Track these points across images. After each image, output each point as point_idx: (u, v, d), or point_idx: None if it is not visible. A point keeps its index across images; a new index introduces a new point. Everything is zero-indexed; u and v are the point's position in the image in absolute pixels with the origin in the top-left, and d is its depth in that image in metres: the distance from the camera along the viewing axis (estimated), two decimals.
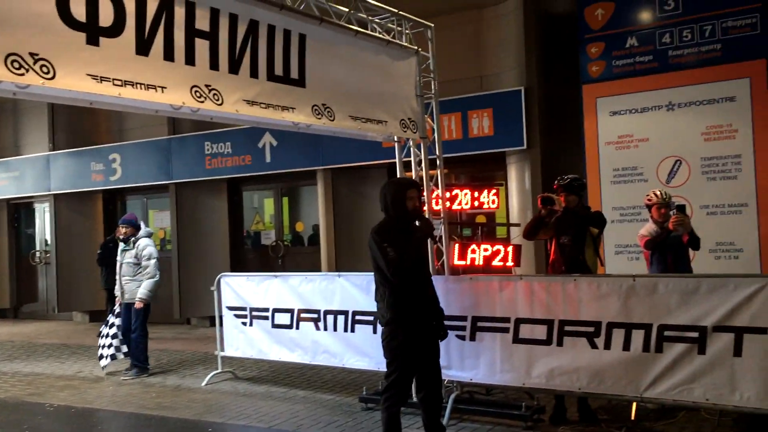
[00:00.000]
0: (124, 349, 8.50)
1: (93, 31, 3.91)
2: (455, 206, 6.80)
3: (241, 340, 7.80)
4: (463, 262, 6.61)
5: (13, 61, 3.52)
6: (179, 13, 4.40)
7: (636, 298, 5.29)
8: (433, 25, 6.77)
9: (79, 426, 6.67)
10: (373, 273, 4.99)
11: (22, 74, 3.56)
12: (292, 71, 5.27)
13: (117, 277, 8.58)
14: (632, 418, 5.74)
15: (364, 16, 6.07)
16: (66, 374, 8.77)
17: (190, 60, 4.49)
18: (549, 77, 9.65)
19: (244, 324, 7.74)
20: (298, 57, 5.31)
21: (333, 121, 5.60)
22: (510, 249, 6.66)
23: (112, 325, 8.55)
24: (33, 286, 15.07)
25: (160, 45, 4.29)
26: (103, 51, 3.95)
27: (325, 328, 7.03)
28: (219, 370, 8.02)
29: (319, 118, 5.48)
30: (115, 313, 8.63)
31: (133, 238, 8.54)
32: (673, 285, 5.18)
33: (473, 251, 6.61)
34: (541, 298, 5.72)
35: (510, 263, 6.67)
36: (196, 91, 4.51)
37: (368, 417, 6.28)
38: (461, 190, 6.82)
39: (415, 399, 5.48)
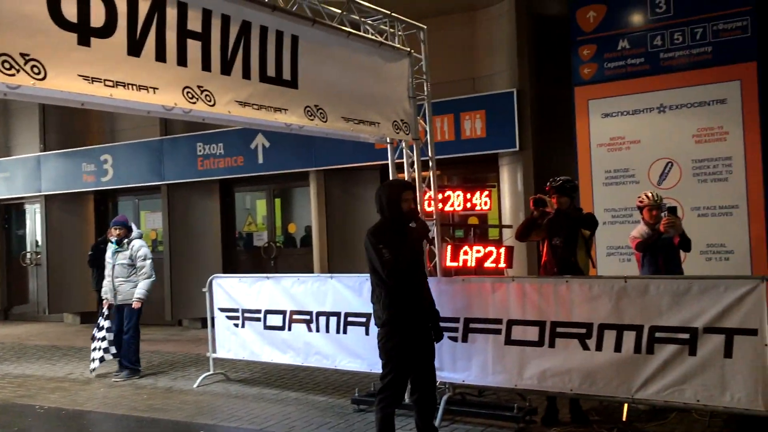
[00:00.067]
0: (113, 350, 8.46)
1: (84, 32, 3.89)
2: (447, 208, 6.81)
3: (233, 342, 7.78)
4: (455, 264, 6.62)
5: (3, 62, 3.50)
6: (171, 13, 4.39)
7: (627, 300, 5.31)
8: (425, 26, 6.78)
9: (70, 428, 6.63)
10: (364, 274, 5.00)
11: (13, 75, 3.54)
12: (285, 72, 5.27)
13: (108, 279, 8.53)
14: (624, 419, 5.76)
15: (357, 17, 6.07)
16: (57, 376, 8.73)
17: (182, 61, 4.48)
18: (541, 79, 9.68)
19: (236, 325, 7.72)
20: (290, 58, 5.31)
21: (325, 122, 5.59)
22: (502, 250, 6.67)
23: (102, 327, 8.51)
24: (24, 287, 14.98)
25: (152, 46, 4.28)
26: (94, 52, 3.94)
27: (317, 330, 7.02)
28: (211, 372, 8.00)
29: (312, 120, 5.48)
30: (104, 315, 8.58)
31: (126, 240, 8.51)
32: (665, 286, 5.20)
33: (465, 253, 6.62)
34: (533, 299, 5.74)
35: (502, 265, 6.68)
36: (188, 92, 4.50)
37: (360, 419, 6.27)
38: (453, 192, 6.83)
39: (408, 401, 5.48)
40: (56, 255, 13.73)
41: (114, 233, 8.53)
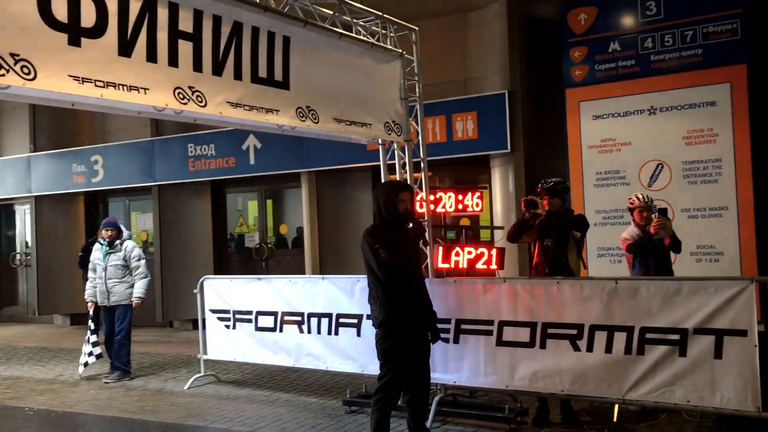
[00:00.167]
0: (97, 351, 8.40)
1: (75, 32, 3.88)
2: (439, 209, 6.82)
3: (224, 343, 7.76)
4: (447, 265, 6.63)
5: None
6: (162, 14, 4.37)
7: (618, 301, 5.33)
8: (417, 28, 6.79)
9: (60, 430, 6.60)
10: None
11: (2, 75, 3.52)
12: (276, 73, 5.26)
13: (99, 280, 8.46)
14: (614, 419, 5.78)
15: (349, 18, 6.07)
16: (46, 378, 8.68)
17: (173, 61, 4.46)
18: (533, 81, 9.70)
19: (228, 327, 7.70)
20: (282, 59, 5.30)
21: (317, 123, 5.59)
22: (494, 252, 6.69)
23: (94, 330, 8.48)
24: (13, 288, 14.89)
25: (143, 46, 4.26)
26: (85, 52, 3.92)
27: (309, 331, 7.01)
28: (202, 374, 7.97)
29: (303, 121, 5.47)
30: (92, 317, 8.54)
31: (118, 241, 8.48)
32: (655, 288, 5.22)
33: (457, 254, 6.63)
34: (524, 300, 5.75)
35: (494, 266, 6.70)
36: (179, 93, 4.48)
37: (352, 420, 6.27)
38: (445, 193, 6.84)
39: (399, 401, 5.47)
40: (46, 256, 13.66)
41: (105, 234, 8.48)
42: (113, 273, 8.39)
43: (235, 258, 12.59)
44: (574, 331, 5.47)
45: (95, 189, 13.27)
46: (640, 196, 6.37)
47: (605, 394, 5.37)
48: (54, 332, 12.98)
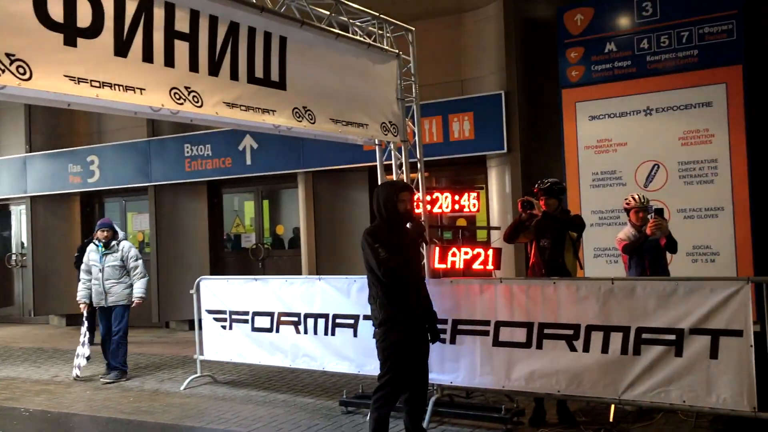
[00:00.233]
0: (87, 352, 8.38)
1: (71, 32, 3.87)
2: (436, 209, 6.82)
3: (220, 344, 7.75)
4: (443, 266, 6.62)
5: None
6: (158, 14, 4.37)
7: (614, 301, 5.34)
8: (414, 28, 6.79)
9: (56, 431, 6.58)
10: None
11: None
12: (273, 74, 5.26)
13: (96, 281, 8.43)
14: (610, 420, 5.79)
15: (345, 19, 6.07)
16: (42, 378, 8.66)
17: (169, 62, 4.45)
18: (529, 82, 9.72)
19: (224, 327, 7.69)
20: (278, 59, 5.29)
21: (314, 123, 5.59)
22: (490, 252, 6.69)
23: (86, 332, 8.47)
24: (9, 289, 14.85)
25: (139, 46, 4.26)
26: (80, 52, 3.91)
27: (305, 332, 7.01)
28: (198, 374, 7.96)
29: (300, 121, 5.47)
30: (87, 318, 8.52)
31: (115, 242, 8.47)
32: (651, 288, 5.23)
33: (454, 254, 6.63)
34: (520, 301, 5.75)
35: (490, 266, 6.70)
36: (175, 93, 4.48)
37: (348, 420, 6.26)
38: (442, 194, 6.84)
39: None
40: (42, 257, 13.63)
41: (101, 235, 8.47)
42: (111, 274, 8.38)
43: (231, 258, 12.58)
44: (571, 332, 5.48)
45: (91, 189, 13.24)
46: (636, 197, 6.38)
47: (601, 394, 5.37)
48: (50, 333, 12.95)
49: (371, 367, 6.41)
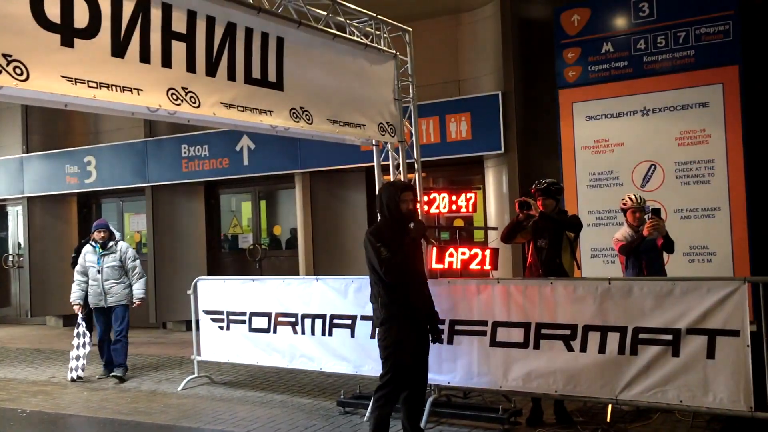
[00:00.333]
0: (82, 352, 8.37)
1: (68, 33, 3.87)
2: (433, 210, 6.82)
3: (217, 345, 7.74)
4: (440, 266, 6.62)
5: None
6: (156, 14, 4.37)
7: (611, 301, 5.34)
8: (411, 29, 6.79)
9: None
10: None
11: None
12: (270, 74, 5.26)
13: (94, 282, 8.40)
14: (608, 420, 5.79)
15: (343, 19, 6.07)
16: (39, 379, 8.64)
17: (166, 62, 4.46)
18: (526, 82, 9.72)
19: (221, 328, 7.69)
20: (275, 60, 5.30)
21: (311, 124, 5.59)
22: (487, 252, 6.69)
23: (81, 334, 8.44)
24: (6, 290, 14.82)
25: (136, 47, 4.26)
26: (78, 53, 3.92)
27: (303, 332, 7.00)
28: (195, 375, 7.95)
29: (297, 122, 5.47)
30: (84, 319, 8.50)
31: (112, 242, 8.46)
32: (648, 288, 5.24)
33: (451, 255, 6.63)
34: (518, 301, 5.75)
35: (487, 267, 6.70)
36: (172, 94, 4.48)
37: (346, 421, 6.26)
38: (439, 194, 6.84)
39: None
40: (39, 257, 13.61)
41: (98, 236, 8.46)
42: (110, 274, 8.37)
43: (228, 259, 12.58)
44: (568, 332, 5.48)
45: (88, 190, 13.23)
46: (633, 197, 6.39)
47: (598, 394, 5.38)
48: (46, 334, 12.92)
49: (369, 367, 6.42)
